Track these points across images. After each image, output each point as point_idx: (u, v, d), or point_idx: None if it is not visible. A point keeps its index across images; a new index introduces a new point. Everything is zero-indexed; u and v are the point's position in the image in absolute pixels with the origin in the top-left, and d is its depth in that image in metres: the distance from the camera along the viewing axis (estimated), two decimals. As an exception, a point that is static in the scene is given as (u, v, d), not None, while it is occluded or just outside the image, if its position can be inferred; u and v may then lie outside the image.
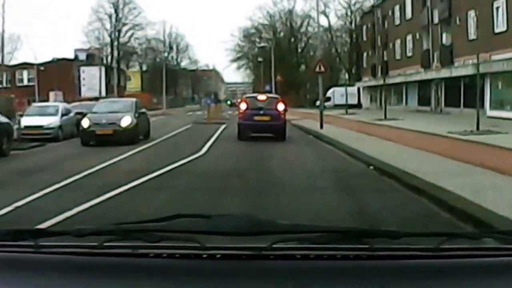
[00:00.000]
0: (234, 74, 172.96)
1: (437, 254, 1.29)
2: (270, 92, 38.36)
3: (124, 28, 65.14)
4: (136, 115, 16.89)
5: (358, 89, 52.41)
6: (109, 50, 62.86)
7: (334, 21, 66.80)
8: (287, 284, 1.18)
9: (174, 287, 1.20)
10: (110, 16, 63.51)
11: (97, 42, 60.40)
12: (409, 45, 41.07)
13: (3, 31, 51.17)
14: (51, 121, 18.18)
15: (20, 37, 66.08)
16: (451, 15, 32.47)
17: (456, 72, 30.22)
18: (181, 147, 15.06)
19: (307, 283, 1.19)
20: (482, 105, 27.40)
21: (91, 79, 54.80)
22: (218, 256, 1.30)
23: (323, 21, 60.94)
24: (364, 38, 54.27)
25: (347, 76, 63.32)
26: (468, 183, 7.25)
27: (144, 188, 8.00)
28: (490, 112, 26.30)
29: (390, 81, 34.26)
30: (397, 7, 43.38)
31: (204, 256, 1.29)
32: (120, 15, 64.16)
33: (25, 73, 56.35)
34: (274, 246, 1.29)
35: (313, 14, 63.93)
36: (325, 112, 22.02)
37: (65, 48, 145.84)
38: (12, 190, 7.91)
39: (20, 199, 6.90)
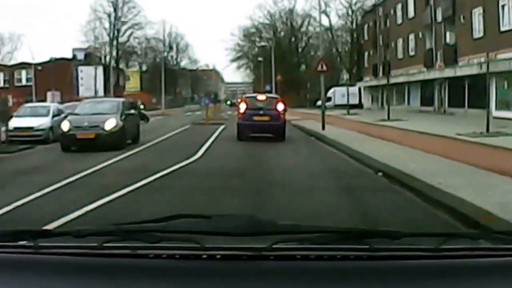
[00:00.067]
0: (234, 74, 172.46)
1: (437, 255, 1.28)
2: (270, 92, 37.87)
3: (123, 27, 64.78)
4: (123, 117, 15.26)
5: (359, 89, 51.78)
6: (107, 49, 62.33)
7: (335, 20, 66.11)
8: (287, 284, 1.18)
9: (174, 287, 1.20)
10: (109, 15, 63.12)
11: (96, 41, 59.84)
12: (412, 44, 40.39)
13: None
14: (42, 122, 17.41)
15: (20, 37, 65.78)
16: (455, 13, 31.80)
17: (460, 71, 29.58)
18: (173, 152, 13.80)
19: (307, 283, 1.19)
20: (488, 105, 26.75)
21: (89, 78, 54.31)
22: (218, 256, 1.29)
23: (324, 21, 60.36)
24: (366, 37, 53.61)
25: (347, 76, 62.65)
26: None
27: (110, 209, 6.47)
28: (495, 113, 25.60)
29: (392, 80, 33.55)
30: (399, 6, 42.72)
31: (204, 256, 1.28)
32: (119, 14, 63.74)
33: (23, 73, 56.21)
34: (274, 246, 1.29)
35: (314, 13, 63.54)
36: (326, 113, 21.33)
37: (65, 48, 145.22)
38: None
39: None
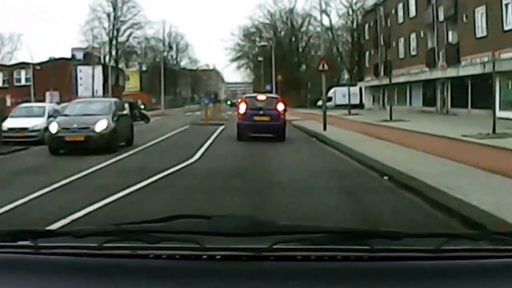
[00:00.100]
0: (234, 74, 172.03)
1: (438, 255, 1.27)
2: (270, 92, 37.55)
3: (123, 27, 64.58)
4: (115, 118, 14.36)
5: (360, 89, 51.41)
6: (107, 49, 61.97)
7: (336, 20, 65.76)
8: (287, 285, 1.18)
9: None
10: (108, 15, 62.86)
11: (95, 41, 59.53)
12: (413, 43, 40.01)
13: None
14: (37, 123, 16.94)
15: (20, 37, 65.59)
16: (457, 12, 31.44)
17: (463, 71, 29.22)
18: (168, 154, 13.13)
19: (307, 284, 1.18)
20: (494, 105, 26.37)
21: (88, 78, 53.99)
22: (218, 257, 1.28)
23: (324, 20, 59.94)
24: (367, 37, 53.22)
25: (348, 76, 62.30)
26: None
27: (95, 217, 6.06)
28: (500, 113, 25.14)
29: (393, 80, 33.22)
30: (400, 5, 42.35)
31: (204, 257, 1.28)
32: (119, 14, 63.40)
33: (22, 72, 56.09)
34: (274, 247, 1.28)
35: (314, 13, 63.25)
36: (327, 113, 20.89)
37: (64, 48, 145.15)
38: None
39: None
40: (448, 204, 6.29)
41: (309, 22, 65.85)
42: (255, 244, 1.30)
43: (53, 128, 13.74)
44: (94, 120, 13.82)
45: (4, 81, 56.97)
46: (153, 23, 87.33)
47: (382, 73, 44.73)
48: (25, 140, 16.16)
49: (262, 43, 60.83)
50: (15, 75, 56.74)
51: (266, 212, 6.19)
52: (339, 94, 49.52)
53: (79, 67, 54.91)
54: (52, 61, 55.09)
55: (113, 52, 63.70)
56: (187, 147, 14.57)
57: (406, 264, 1.27)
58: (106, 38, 62.47)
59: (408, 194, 7.39)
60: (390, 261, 1.28)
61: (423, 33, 37.41)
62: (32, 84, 49.96)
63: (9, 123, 16.50)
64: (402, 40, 42.20)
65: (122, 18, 63.71)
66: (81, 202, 6.71)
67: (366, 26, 53.20)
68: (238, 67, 74.68)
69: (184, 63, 79.43)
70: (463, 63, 30.28)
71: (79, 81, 54.68)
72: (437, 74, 33.67)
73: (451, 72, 31.14)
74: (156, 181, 8.69)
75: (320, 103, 48.70)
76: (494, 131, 15.32)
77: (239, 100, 25.10)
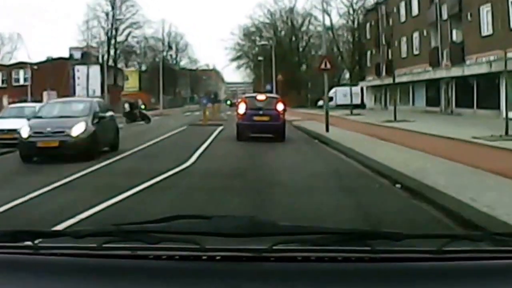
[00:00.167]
0: (234, 73, 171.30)
1: (439, 257, 1.27)
2: (271, 91, 37.03)
3: (121, 26, 63.92)
4: (95, 120, 12.75)
5: (362, 89, 50.71)
6: (105, 48, 61.32)
7: (336, 19, 65.10)
8: (287, 286, 1.18)
9: None
10: (107, 14, 62.16)
11: (93, 40, 58.96)
12: (416, 42, 39.28)
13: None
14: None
15: (19, 37, 65.23)
16: (462, 10, 30.72)
17: (468, 70, 28.53)
18: (157, 161, 11.87)
19: (308, 285, 1.18)
20: (498, 106, 25.70)
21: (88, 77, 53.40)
22: (218, 257, 1.28)
23: (325, 20, 59.30)
24: (368, 36, 52.52)
25: (348, 75, 61.67)
26: None
27: None
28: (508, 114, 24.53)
29: (396, 80, 32.49)
30: (402, 4, 41.64)
31: (204, 257, 1.28)
32: (118, 13, 62.74)
33: (21, 72, 55.74)
34: (274, 247, 1.28)
35: (315, 12, 62.74)
36: (329, 113, 20.10)
37: (64, 47, 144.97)
38: None
39: None
40: (473, 219, 5.56)
41: (309, 21, 65.60)
42: (255, 244, 1.28)
43: (24, 132, 12.14)
44: (71, 122, 12.26)
45: (2, 81, 56.76)
46: (152, 23, 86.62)
47: (384, 73, 44.03)
48: (14, 142, 15.41)
49: (262, 42, 60.30)
50: (14, 75, 56.49)
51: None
52: (340, 94, 48.85)
53: (77, 67, 54.35)
54: (50, 60, 55.00)
55: (112, 52, 63.16)
56: (180, 151, 13.45)
57: (407, 265, 1.25)
58: (104, 38, 61.91)
59: (427, 207, 6.61)
60: (391, 262, 1.26)
61: (426, 32, 36.68)
62: (30, 84, 49.52)
63: None
64: (404, 39, 41.48)
65: (120, 17, 63.07)
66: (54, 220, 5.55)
67: (368, 25, 52.50)
68: (238, 67, 74.30)
69: (183, 63, 79.12)
70: (468, 62, 29.57)
71: (76, 81, 54.13)
72: (441, 73, 32.97)
73: (456, 72, 30.43)
74: (130, 196, 7.29)
75: (320, 103, 48.34)
76: (507, 132, 14.58)
77: (238, 100, 24.47)
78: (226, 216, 1.33)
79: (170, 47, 73.71)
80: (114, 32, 62.74)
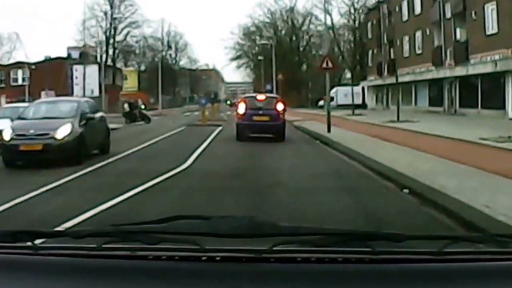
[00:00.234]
0: (234, 73, 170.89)
1: (440, 258, 1.26)
2: (271, 91, 36.61)
3: (120, 26, 63.35)
4: (83, 121, 11.88)
5: (363, 89, 50.16)
6: (104, 48, 60.82)
7: (337, 19, 64.68)
8: (287, 287, 1.18)
9: None
10: (105, 13, 61.60)
11: (92, 39, 58.47)
12: (419, 42, 38.69)
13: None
14: None
15: (18, 37, 64.94)
16: (466, 8, 30.17)
17: (473, 69, 27.98)
18: (149, 165, 11.08)
19: (308, 286, 1.18)
20: (503, 106, 25.18)
21: (85, 77, 52.97)
22: (218, 258, 1.28)
23: (326, 19, 58.85)
24: (369, 36, 51.97)
25: (349, 75, 61.19)
26: None
27: None
28: (512, 114, 24.03)
29: (398, 79, 31.95)
30: (404, 2, 41.07)
31: (204, 258, 1.27)
32: (116, 12, 62.21)
33: (19, 72, 55.43)
34: (274, 248, 1.27)
35: (315, 11, 62.29)
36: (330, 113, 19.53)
37: (63, 47, 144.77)
38: None
39: None
40: (490, 229, 5.01)
41: (310, 21, 65.16)
42: (255, 245, 1.27)
43: (6, 134, 11.25)
44: (56, 124, 11.36)
45: (1, 81, 56.57)
46: (151, 22, 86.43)
47: (385, 72, 43.50)
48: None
49: (263, 42, 59.82)
50: (12, 75, 56.29)
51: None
52: (340, 94, 48.30)
53: (75, 66, 53.90)
54: (48, 60, 54.57)
55: (111, 51, 62.61)
56: (175, 154, 12.70)
57: (408, 266, 1.24)
58: (103, 37, 61.42)
59: (439, 215, 6.05)
60: (391, 264, 1.25)
61: (429, 31, 36.12)
62: (27, 84, 49.17)
63: None
64: (406, 38, 40.91)
65: (119, 16, 62.53)
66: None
67: (369, 24, 51.96)
68: (238, 67, 73.90)
69: (183, 62, 78.73)
70: (472, 61, 29.02)
71: (75, 81, 53.69)
72: (444, 73, 32.41)
73: (460, 71, 29.88)
74: (117, 204, 6.68)
75: (321, 103, 47.85)
76: (516, 133, 14.05)
77: (238, 100, 24.03)
78: (225, 217, 1.32)
79: (169, 47, 73.31)
80: (112, 31, 62.18)
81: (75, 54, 55.55)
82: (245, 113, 17.03)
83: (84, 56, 53.17)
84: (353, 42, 62.03)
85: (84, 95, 35.65)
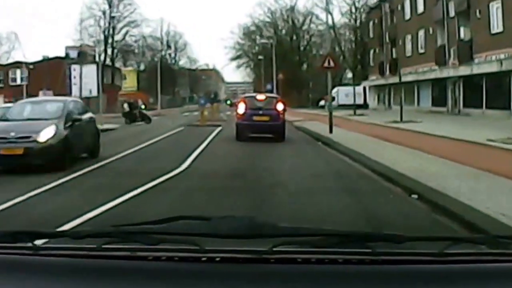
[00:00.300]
0: (234, 73, 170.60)
1: (440, 259, 1.26)
2: (271, 91, 36.17)
3: (119, 25, 62.89)
4: (68, 123, 10.98)
5: (364, 88, 49.63)
6: (102, 47, 60.34)
7: (338, 18, 64.14)
8: None
9: None
10: (104, 13, 61.14)
11: (91, 39, 58.04)
12: (421, 41, 38.12)
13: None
14: None
15: (17, 37, 64.71)
16: (470, 7, 29.61)
17: (478, 69, 27.41)
18: (141, 169, 10.40)
19: (308, 287, 1.18)
20: (509, 106, 24.63)
21: (84, 77, 52.55)
22: (218, 259, 1.28)
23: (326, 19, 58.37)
24: (371, 35, 51.43)
25: (351, 75, 60.72)
26: None
27: None
28: (518, 114, 23.45)
29: (401, 79, 31.43)
30: (407, 1, 40.51)
31: (204, 259, 1.28)
32: (115, 11, 61.77)
33: (18, 72, 55.20)
34: (274, 249, 1.27)
35: (316, 11, 61.83)
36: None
37: (63, 47, 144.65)
38: None
39: None
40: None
41: (310, 20, 64.71)
42: (255, 246, 1.26)
43: None
44: (39, 126, 10.49)
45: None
46: (150, 21, 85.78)
47: (387, 72, 42.96)
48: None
49: (263, 41, 59.34)
50: (11, 75, 56.13)
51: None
52: (341, 94, 47.81)
53: (73, 66, 53.36)
54: (47, 60, 54.37)
55: (109, 51, 62.18)
56: (169, 158, 11.98)
57: (408, 268, 1.24)
58: (102, 37, 60.99)
59: (452, 224, 5.53)
60: (392, 265, 1.25)
61: (432, 30, 35.56)
62: (25, 84, 48.86)
63: None
64: (409, 37, 40.36)
65: (118, 15, 62.08)
66: None
67: (371, 23, 51.42)
68: (238, 66, 73.49)
69: (182, 62, 78.34)
70: (476, 60, 28.46)
71: (73, 80, 53.15)
72: (448, 72, 31.85)
73: (464, 70, 29.32)
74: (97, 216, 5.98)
75: (322, 103, 47.40)
76: (527, 135, 13.50)
77: (238, 100, 23.57)
78: (225, 217, 1.30)
79: (169, 46, 72.88)
80: (111, 30, 61.79)
81: (73, 54, 55.13)
82: (244, 113, 16.91)
83: (82, 56, 52.79)
84: (354, 41, 61.56)
85: (81, 95, 35.10)
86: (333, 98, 44.51)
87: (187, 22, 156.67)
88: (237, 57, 70.59)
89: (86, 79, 51.70)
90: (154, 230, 1.33)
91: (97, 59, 56.79)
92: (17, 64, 54.37)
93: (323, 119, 20.63)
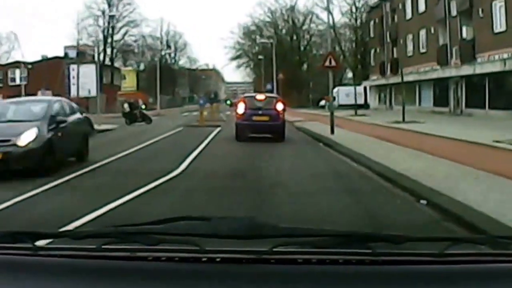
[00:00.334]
0: (234, 73, 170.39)
1: (441, 260, 1.25)
2: (271, 91, 35.90)
3: (118, 25, 62.61)
4: (52, 125, 10.13)
5: (365, 88, 49.31)
6: (101, 47, 60.06)
7: (338, 18, 63.77)
8: None
9: None
10: (103, 12, 60.82)
11: (90, 39, 57.76)
12: (423, 40, 37.82)
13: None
14: None
15: (16, 37, 64.54)
16: (473, 6, 29.30)
17: (480, 69, 27.07)
18: (132, 174, 9.62)
19: (308, 287, 1.17)
20: (512, 106, 24.30)
21: (82, 77, 52.27)
22: (218, 259, 1.28)
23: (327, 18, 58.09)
24: (372, 35, 51.14)
25: (351, 75, 60.39)
26: None
27: None
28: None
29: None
30: (408, 0, 40.18)
31: (204, 259, 1.27)
32: (114, 11, 61.43)
33: (17, 72, 55.02)
34: (274, 249, 1.27)
35: (316, 10, 61.55)
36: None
37: (62, 47, 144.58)
38: None
39: None
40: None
41: (311, 20, 64.47)
42: (256, 246, 1.26)
43: None
44: (19, 129, 9.62)
45: (-2, 80, 56.13)
46: (150, 21, 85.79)
47: (388, 72, 42.63)
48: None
49: (263, 41, 59.02)
50: (10, 74, 55.98)
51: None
52: (342, 94, 47.51)
53: (72, 66, 53.03)
54: (46, 60, 54.19)
55: (109, 51, 61.90)
56: (163, 162, 11.35)
57: (409, 268, 1.23)
58: (101, 36, 60.71)
59: (464, 232, 5.19)
60: (392, 265, 1.25)
61: (434, 29, 35.25)
62: (24, 83, 48.65)
63: None
64: (410, 36, 40.05)
65: (116, 13, 61.75)
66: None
67: (371, 23, 51.11)
68: (238, 66, 73.28)
69: (182, 62, 78.10)
70: (479, 60, 28.13)
71: (71, 80, 52.85)
72: (450, 72, 31.52)
73: (467, 70, 28.99)
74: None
75: (322, 103, 47.08)
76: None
77: (238, 100, 23.28)
78: (225, 218, 1.31)
79: (168, 46, 72.51)
80: (110, 30, 61.54)
81: (72, 54, 54.80)
82: (244, 113, 16.78)
83: (81, 55, 52.48)
84: (354, 41, 61.22)
85: (78, 95, 34.76)
86: (334, 98, 44.40)
87: (187, 22, 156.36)
88: (237, 57, 70.42)
89: (85, 79, 51.42)
90: (154, 230, 1.33)
91: (96, 59, 56.62)
92: (16, 64, 54.22)
93: (324, 120, 20.31)
